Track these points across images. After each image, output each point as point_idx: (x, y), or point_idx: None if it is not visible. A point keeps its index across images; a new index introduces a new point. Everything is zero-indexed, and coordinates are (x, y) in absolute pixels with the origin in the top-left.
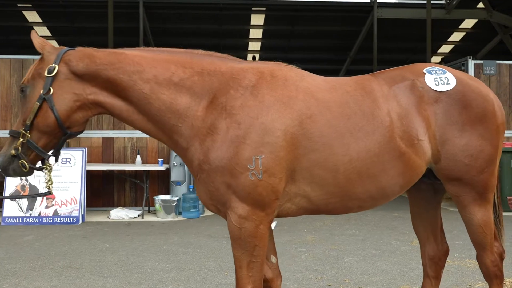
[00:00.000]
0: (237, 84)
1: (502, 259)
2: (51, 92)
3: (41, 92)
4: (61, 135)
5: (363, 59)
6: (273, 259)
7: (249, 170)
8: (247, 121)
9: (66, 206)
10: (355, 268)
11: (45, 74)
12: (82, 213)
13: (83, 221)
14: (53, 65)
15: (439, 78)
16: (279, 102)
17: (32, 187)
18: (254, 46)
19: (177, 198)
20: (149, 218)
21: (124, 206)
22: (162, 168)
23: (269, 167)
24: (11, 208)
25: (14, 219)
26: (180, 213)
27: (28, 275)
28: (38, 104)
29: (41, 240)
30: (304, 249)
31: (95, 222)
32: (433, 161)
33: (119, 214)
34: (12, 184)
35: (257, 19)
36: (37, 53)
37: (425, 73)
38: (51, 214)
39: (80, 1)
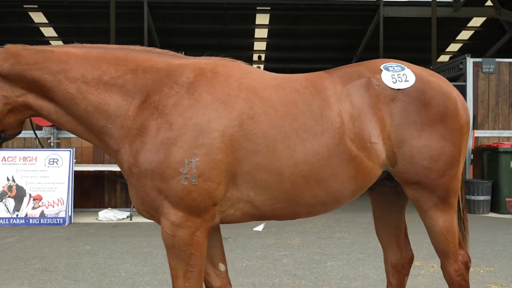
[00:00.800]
0: (173, 82)
1: (467, 268)
2: None
3: None
4: None
5: (370, 58)
6: (221, 267)
7: (182, 174)
8: (180, 121)
9: (53, 207)
10: (336, 273)
11: None
12: (70, 214)
13: (70, 222)
14: None
15: (396, 75)
16: (218, 101)
17: (19, 188)
18: (259, 45)
19: None
20: (138, 219)
21: (114, 207)
22: None
23: (204, 170)
24: None
25: (1, 220)
26: None
27: (0, 278)
28: None
29: (23, 242)
30: (287, 253)
31: (82, 223)
32: (390, 163)
33: (107, 215)
34: None
35: (262, 18)
36: None
37: (382, 70)
38: (37, 215)
39: (85, 1)
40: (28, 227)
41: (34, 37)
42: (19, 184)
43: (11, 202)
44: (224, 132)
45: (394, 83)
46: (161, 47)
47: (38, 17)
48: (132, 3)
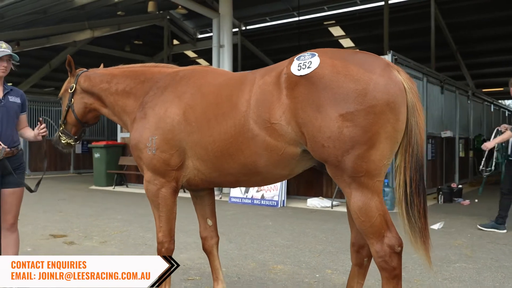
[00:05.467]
0: (155, 86)
1: (394, 252)
2: (73, 102)
3: (67, 102)
4: (81, 127)
5: None
6: (209, 222)
7: (147, 147)
8: (149, 112)
9: (271, 191)
10: None
11: (69, 90)
12: (283, 199)
13: (283, 206)
14: (72, 84)
15: (302, 63)
16: (176, 97)
17: None
18: None
19: None
20: (339, 208)
21: (330, 197)
22: None
23: (160, 145)
24: (236, 190)
25: (237, 199)
26: None
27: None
28: (66, 109)
29: (235, 215)
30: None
31: (291, 207)
32: (304, 143)
33: (313, 202)
34: None
35: None
36: None
37: (294, 60)
38: (259, 197)
39: (373, 10)
40: (251, 206)
41: (336, 47)
42: None
43: None
44: (173, 119)
45: (298, 70)
46: (455, 43)
47: (336, 31)
48: (417, 3)
